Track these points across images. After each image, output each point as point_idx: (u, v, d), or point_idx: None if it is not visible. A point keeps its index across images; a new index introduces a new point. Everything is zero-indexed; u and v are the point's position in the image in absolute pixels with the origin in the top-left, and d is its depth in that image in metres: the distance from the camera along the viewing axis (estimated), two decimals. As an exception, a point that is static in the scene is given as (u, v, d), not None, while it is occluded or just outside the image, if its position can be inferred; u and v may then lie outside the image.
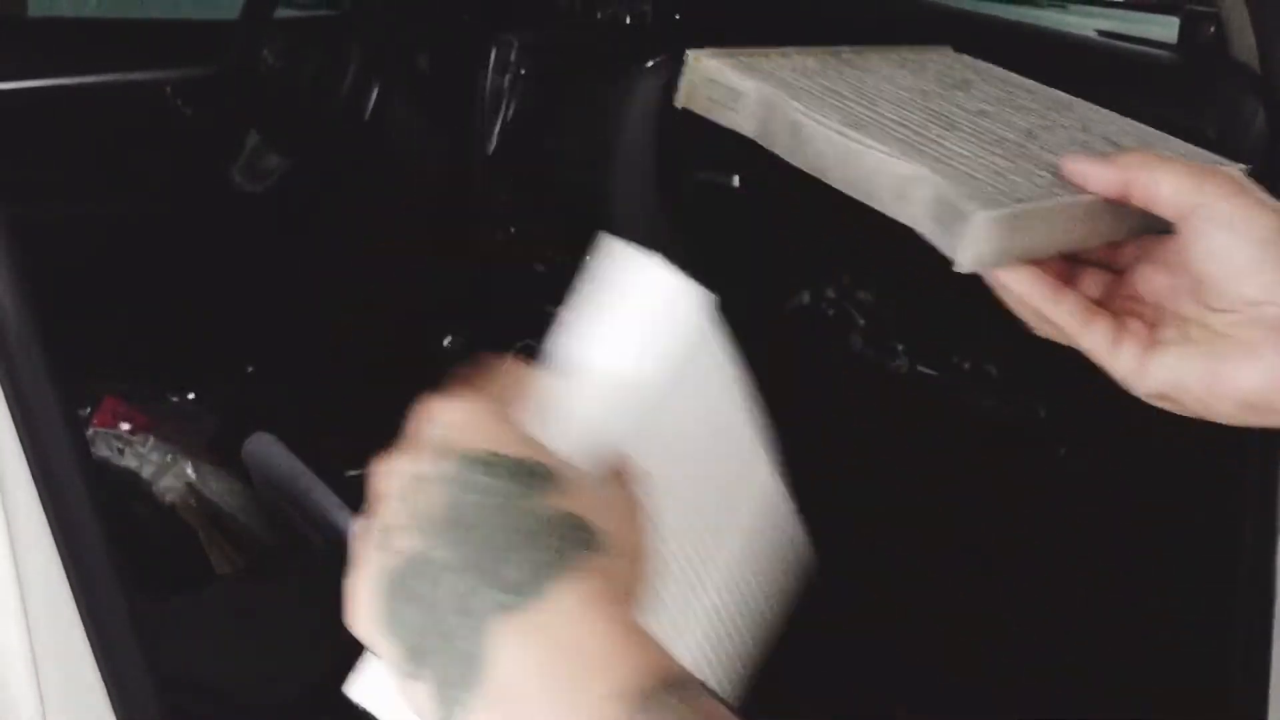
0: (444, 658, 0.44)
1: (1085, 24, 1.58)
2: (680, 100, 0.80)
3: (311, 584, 1.45)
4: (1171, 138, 0.79)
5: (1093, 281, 0.68)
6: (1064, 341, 0.66)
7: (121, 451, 1.72)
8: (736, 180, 1.62)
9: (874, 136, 0.69)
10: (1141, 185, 0.63)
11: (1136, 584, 1.45)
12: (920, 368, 1.53)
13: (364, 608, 0.48)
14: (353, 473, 1.90)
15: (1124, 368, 0.64)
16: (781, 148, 0.74)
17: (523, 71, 1.98)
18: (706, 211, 1.66)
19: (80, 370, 1.81)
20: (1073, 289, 0.66)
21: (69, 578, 0.87)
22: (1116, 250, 0.69)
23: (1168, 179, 0.62)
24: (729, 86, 0.78)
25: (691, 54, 0.79)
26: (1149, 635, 1.44)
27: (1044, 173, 0.68)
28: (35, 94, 2.07)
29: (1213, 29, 1.28)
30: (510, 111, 1.99)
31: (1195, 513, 1.36)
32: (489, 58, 1.98)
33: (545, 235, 1.97)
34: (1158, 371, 0.63)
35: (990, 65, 0.89)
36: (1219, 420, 0.63)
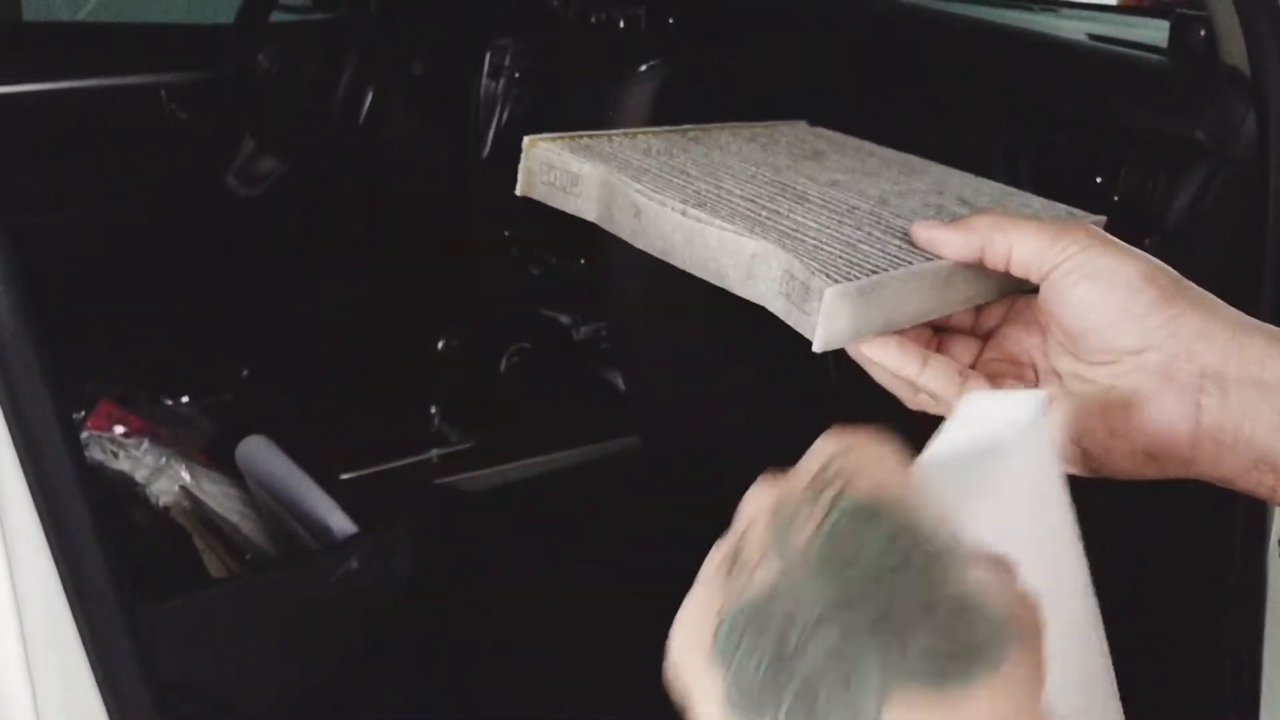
0: (805, 707, 0.41)
1: (1077, 28, 1.58)
2: (519, 188, 0.76)
3: (306, 588, 1.46)
4: (1028, 194, 0.76)
5: (962, 349, 0.66)
6: (940, 412, 0.63)
7: (116, 455, 1.72)
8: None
9: (718, 214, 0.65)
10: (994, 247, 0.61)
11: (1128, 584, 1.45)
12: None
13: (697, 633, 0.44)
14: (347, 475, 1.90)
15: None
16: (625, 231, 0.70)
17: (517, 75, 1.98)
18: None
19: (75, 374, 1.82)
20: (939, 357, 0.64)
21: (64, 581, 0.87)
22: (981, 314, 0.66)
23: (1021, 239, 0.60)
24: (566, 170, 0.74)
25: (527, 140, 0.76)
26: (1140, 635, 1.45)
27: (897, 241, 0.65)
28: (31, 98, 2.07)
29: (1203, 33, 1.28)
30: (505, 115, 1.99)
31: (1188, 512, 1.36)
32: (483, 62, 1.98)
33: (540, 239, 1.97)
34: None
35: (844, 136, 0.86)
36: (1119, 476, 0.61)
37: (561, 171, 0.75)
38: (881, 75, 1.52)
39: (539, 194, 0.76)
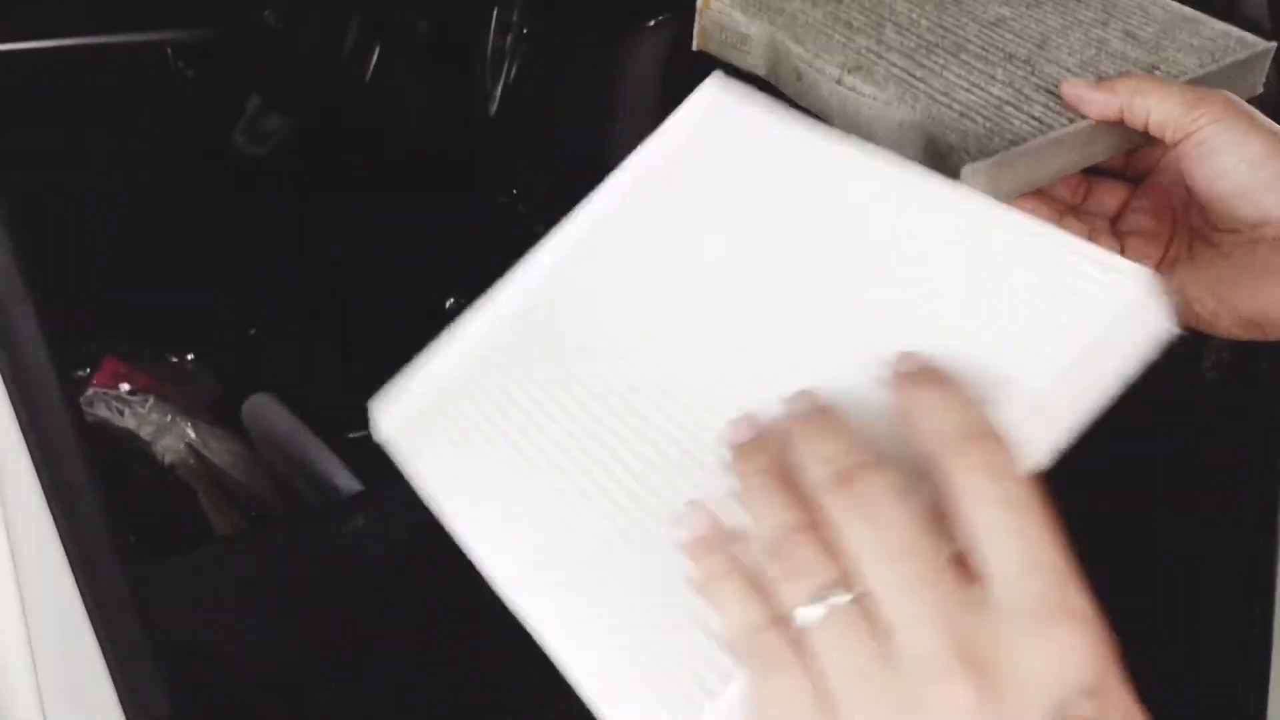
0: None
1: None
2: (695, 44, 0.79)
3: (312, 545, 1.45)
4: (1200, 18, 0.77)
5: (1110, 194, 0.69)
6: None
7: (121, 412, 1.71)
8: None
9: (873, 79, 0.69)
10: (1134, 110, 0.64)
11: (1136, 580, 1.45)
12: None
13: None
14: (354, 434, 1.90)
15: None
16: (790, 91, 0.74)
17: (525, 31, 1.97)
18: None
19: (80, 331, 1.82)
20: (1085, 206, 0.67)
21: (63, 538, 0.86)
22: (1135, 157, 0.69)
23: (1159, 106, 0.63)
24: (735, 30, 0.77)
25: None
26: (1148, 632, 1.44)
27: (1043, 100, 0.68)
28: (34, 55, 2.06)
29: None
30: (512, 72, 1.97)
31: (1196, 507, 1.36)
32: (491, 17, 1.96)
33: (547, 197, 1.96)
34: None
35: None
36: (1225, 337, 0.64)
37: (731, 31, 0.78)
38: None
39: (713, 49, 0.80)
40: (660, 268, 0.64)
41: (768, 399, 0.53)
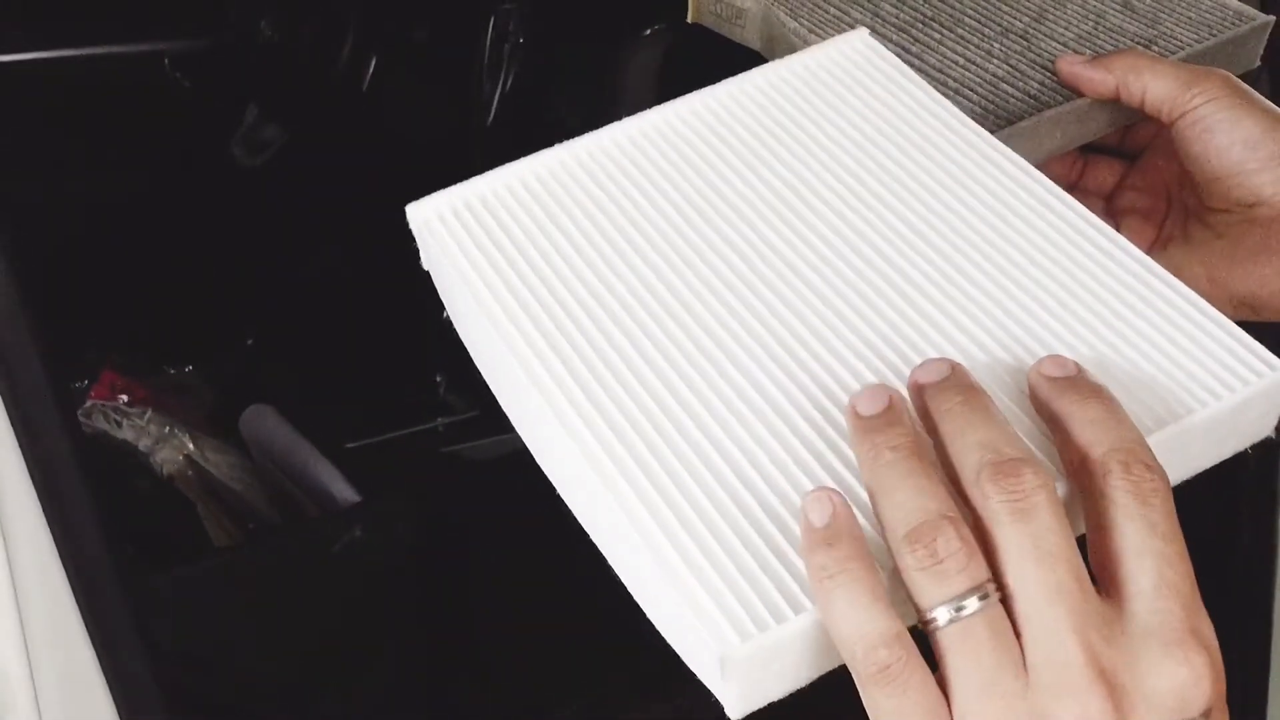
0: None
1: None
2: (690, 15, 0.79)
3: (310, 556, 1.45)
4: None
5: (1106, 171, 0.69)
6: None
7: (119, 424, 1.71)
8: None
9: None
10: (1130, 88, 0.64)
11: None
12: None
13: None
14: (352, 445, 1.89)
15: None
16: None
17: (521, 41, 1.97)
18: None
19: (78, 343, 1.81)
20: (1080, 183, 0.67)
21: (61, 552, 0.86)
22: (1130, 133, 0.69)
23: (1155, 84, 0.63)
24: (732, 3, 0.77)
25: None
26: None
27: (1039, 77, 0.68)
28: (32, 66, 2.06)
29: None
30: (509, 81, 1.97)
31: (1194, 508, 1.35)
32: (487, 26, 1.96)
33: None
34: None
35: None
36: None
37: (727, 4, 0.78)
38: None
39: (707, 22, 0.80)
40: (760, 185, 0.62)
41: (875, 359, 0.52)
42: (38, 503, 0.84)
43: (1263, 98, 0.64)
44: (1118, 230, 0.65)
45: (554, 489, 1.99)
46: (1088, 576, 0.45)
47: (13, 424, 0.83)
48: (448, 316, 2.26)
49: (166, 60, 2.12)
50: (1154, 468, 0.46)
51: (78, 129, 2.08)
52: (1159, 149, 0.69)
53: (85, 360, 1.84)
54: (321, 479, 1.50)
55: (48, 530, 0.85)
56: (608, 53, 1.77)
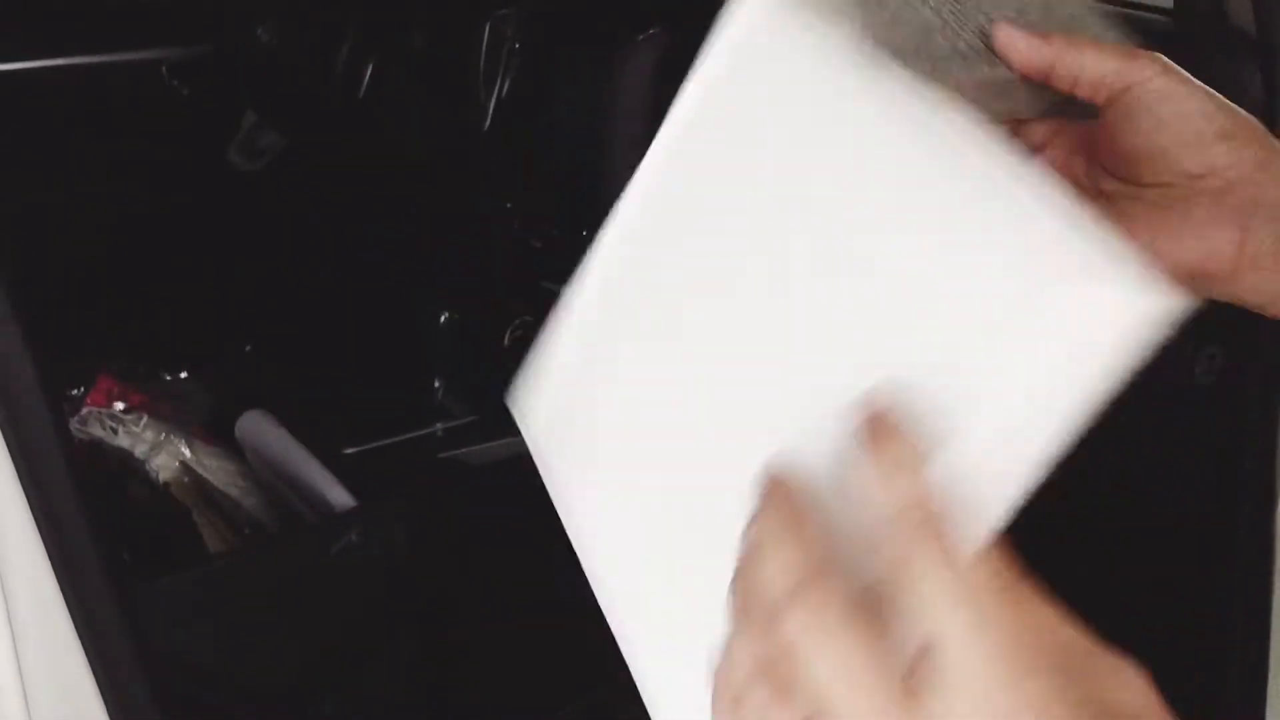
0: None
1: (1082, -10, 1.56)
2: None
3: (306, 562, 1.45)
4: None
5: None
6: None
7: (115, 431, 1.71)
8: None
9: None
10: (1065, 63, 0.63)
11: (1131, 584, 1.44)
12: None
13: None
14: (349, 451, 1.89)
15: None
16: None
17: (518, 45, 1.97)
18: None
19: (73, 349, 1.82)
20: None
21: (51, 556, 0.86)
22: (1023, 130, 0.68)
23: (1094, 61, 0.63)
24: None
25: None
26: (1143, 635, 1.44)
27: (968, 36, 0.66)
28: (30, 75, 2.06)
29: (1210, -6, 1.26)
30: (506, 86, 1.98)
31: (1194, 480, 1.36)
32: (484, 32, 1.97)
33: (542, 210, 1.96)
34: None
35: None
36: None
37: None
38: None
39: None
40: (699, 260, 0.61)
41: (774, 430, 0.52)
42: (29, 511, 0.84)
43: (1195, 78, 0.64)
44: None
45: (549, 494, 1.99)
46: (898, 684, 0.44)
47: (5, 432, 0.83)
48: (445, 321, 2.26)
49: (164, 67, 2.13)
50: (943, 526, 0.45)
51: (76, 136, 2.09)
52: (1058, 144, 0.67)
53: (81, 367, 1.85)
54: (318, 484, 1.51)
55: (39, 538, 0.85)
56: (604, 57, 1.77)
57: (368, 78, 2.09)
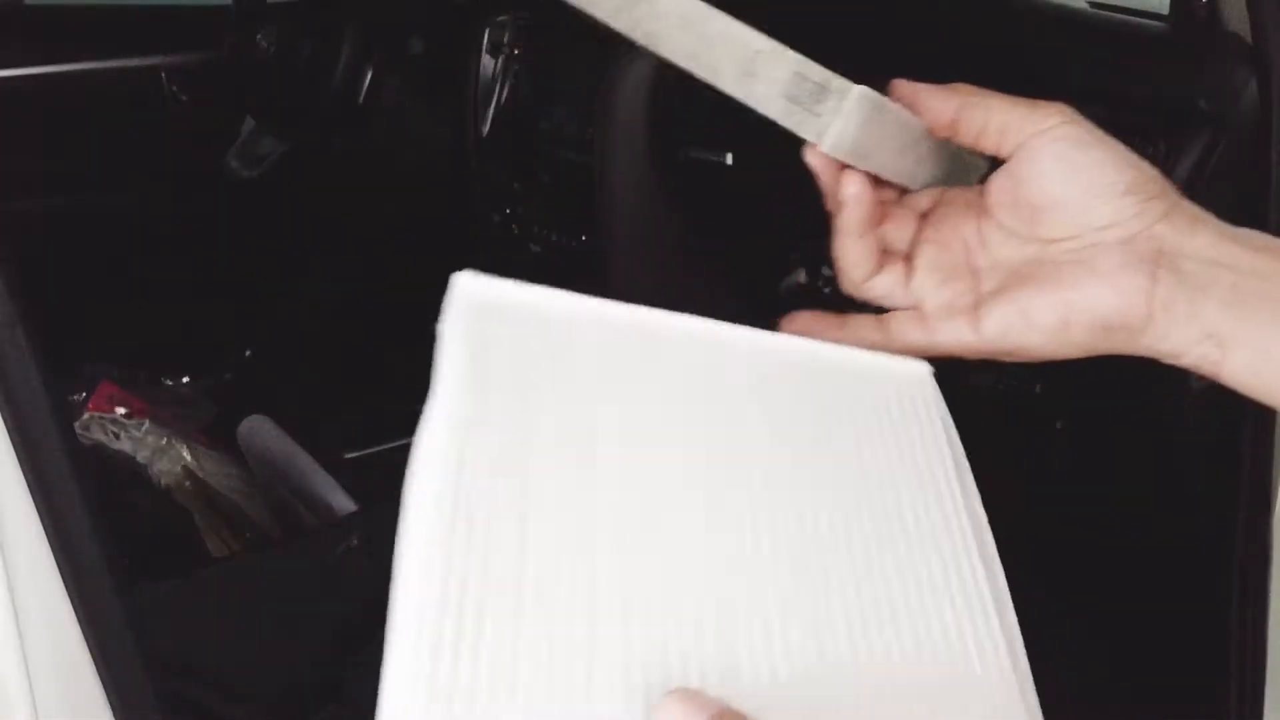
0: None
1: (1078, -4, 1.57)
2: None
3: (308, 566, 1.46)
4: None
5: (901, 226, 0.67)
6: (866, 295, 0.66)
7: (117, 436, 1.72)
8: (730, 158, 1.62)
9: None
10: (971, 111, 0.63)
11: (1133, 558, 1.45)
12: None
13: None
14: (350, 455, 1.90)
15: (952, 329, 0.64)
16: (606, 8, 0.65)
17: (516, 53, 1.98)
18: (700, 189, 1.65)
19: (76, 355, 1.82)
20: (883, 229, 0.66)
21: (58, 561, 0.87)
22: (908, 196, 0.68)
23: (1001, 106, 0.62)
24: None
25: None
26: (1143, 627, 1.45)
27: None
28: (31, 81, 2.07)
29: (1205, -1, 1.27)
30: (504, 93, 1.98)
31: (1191, 485, 1.36)
32: (482, 39, 1.97)
33: (540, 216, 1.97)
34: (994, 321, 0.63)
35: None
36: (1064, 355, 0.63)
37: None
38: (883, 46, 1.51)
39: None
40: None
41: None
42: (36, 514, 0.85)
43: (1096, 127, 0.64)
44: (934, 289, 0.63)
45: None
46: None
47: (11, 436, 0.84)
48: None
49: (164, 74, 2.13)
50: None
51: (76, 143, 2.09)
52: (949, 207, 0.66)
53: (83, 372, 1.85)
54: (320, 489, 1.51)
55: (45, 542, 0.85)
56: (600, 66, 1.78)
57: (367, 85, 2.10)
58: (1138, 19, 1.38)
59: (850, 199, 0.64)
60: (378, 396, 2.17)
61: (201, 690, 1.30)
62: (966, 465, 0.61)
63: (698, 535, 0.54)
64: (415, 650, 0.48)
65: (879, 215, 0.65)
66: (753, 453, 0.58)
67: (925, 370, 0.65)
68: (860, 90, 0.61)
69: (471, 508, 0.51)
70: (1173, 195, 0.61)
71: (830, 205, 0.66)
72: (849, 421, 0.61)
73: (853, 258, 0.65)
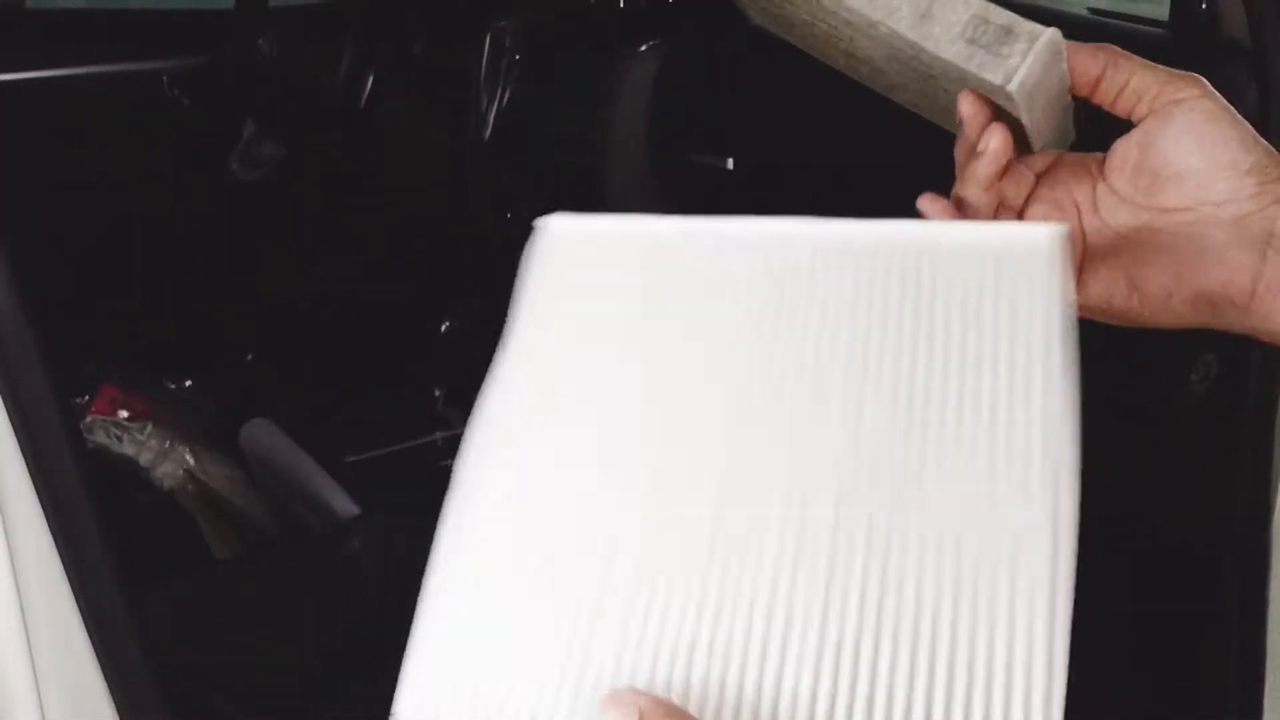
0: None
1: (1077, 1, 1.58)
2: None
3: (310, 568, 1.46)
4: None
5: (1021, 181, 0.68)
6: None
7: (120, 439, 1.72)
8: (730, 163, 1.62)
9: None
10: (1118, 70, 0.63)
11: (1133, 560, 1.45)
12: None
13: None
14: (352, 459, 1.90)
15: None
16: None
17: (517, 57, 1.98)
18: (701, 194, 1.66)
19: (78, 358, 1.82)
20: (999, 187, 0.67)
21: (65, 564, 0.87)
22: (1026, 157, 0.68)
23: (1145, 68, 0.63)
24: None
25: None
26: (1142, 630, 1.45)
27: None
28: (33, 85, 2.07)
29: (1204, 5, 1.27)
30: (505, 97, 1.99)
31: (1191, 486, 1.36)
32: (484, 43, 1.98)
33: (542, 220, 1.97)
34: (1100, 282, 0.63)
35: None
36: (1163, 325, 0.63)
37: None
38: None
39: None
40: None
41: None
42: (42, 515, 0.85)
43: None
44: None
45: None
46: None
47: (20, 440, 0.84)
48: (445, 329, 2.26)
49: (165, 77, 2.14)
50: None
51: (77, 145, 2.10)
52: (1063, 170, 0.67)
53: (85, 375, 1.85)
54: (322, 492, 1.51)
55: (53, 544, 0.86)
56: (602, 69, 1.78)
57: (368, 88, 2.10)
58: (1137, 25, 1.39)
59: (992, 151, 0.65)
60: (379, 400, 2.18)
61: (203, 691, 1.30)
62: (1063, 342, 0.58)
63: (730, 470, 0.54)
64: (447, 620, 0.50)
65: (1002, 170, 0.65)
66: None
67: (1047, 236, 0.58)
68: (1053, 31, 0.61)
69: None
70: None
71: (962, 155, 0.67)
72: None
73: (974, 202, 0.66)
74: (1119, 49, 0.64)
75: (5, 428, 0.85)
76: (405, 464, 2.03)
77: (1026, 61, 0.61)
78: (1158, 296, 0.62)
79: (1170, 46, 1.32)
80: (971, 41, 0.64)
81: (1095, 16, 1.45)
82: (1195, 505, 1.36)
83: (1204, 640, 1.36)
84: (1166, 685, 1.44)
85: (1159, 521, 1.42)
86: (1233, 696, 1.32)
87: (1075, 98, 0.66)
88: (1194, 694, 1.39)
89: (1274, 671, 1.30)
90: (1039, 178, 0.68)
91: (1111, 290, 0.63)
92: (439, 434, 2.12)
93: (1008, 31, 0.62)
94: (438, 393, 2.15)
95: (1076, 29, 1.36)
